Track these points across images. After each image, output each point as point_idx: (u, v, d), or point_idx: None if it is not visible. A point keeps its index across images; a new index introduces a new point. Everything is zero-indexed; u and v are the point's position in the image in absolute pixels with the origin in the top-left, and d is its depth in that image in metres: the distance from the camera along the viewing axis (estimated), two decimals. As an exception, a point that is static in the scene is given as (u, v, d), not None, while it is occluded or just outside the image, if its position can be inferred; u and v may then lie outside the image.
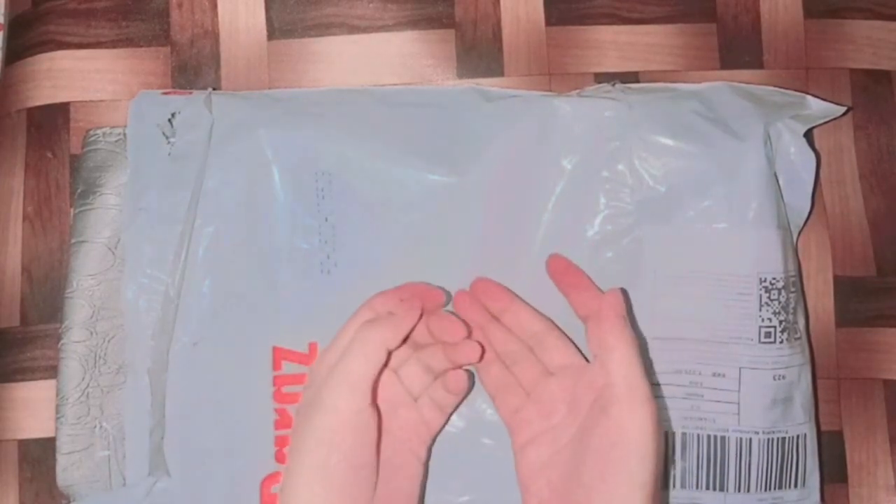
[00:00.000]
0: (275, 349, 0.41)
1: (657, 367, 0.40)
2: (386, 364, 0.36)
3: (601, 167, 0.41)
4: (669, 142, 0.40)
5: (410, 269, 0.41)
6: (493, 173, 0.41)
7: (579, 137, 0.41)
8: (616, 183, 0.41)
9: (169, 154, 0.41)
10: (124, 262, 0.41)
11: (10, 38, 0.47)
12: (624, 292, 0.39)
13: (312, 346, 0.41)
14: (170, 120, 0.42)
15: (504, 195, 0.41)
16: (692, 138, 0.40)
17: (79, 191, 0.43)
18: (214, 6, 0.46)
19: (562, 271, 0.40)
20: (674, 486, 0.40)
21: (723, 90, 0.43)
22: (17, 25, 0.47)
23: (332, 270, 0.41)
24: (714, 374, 0.40)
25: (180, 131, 0.41)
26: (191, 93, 0.43)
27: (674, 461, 0.40)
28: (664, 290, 0.41)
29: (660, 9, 0.46)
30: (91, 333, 0.42)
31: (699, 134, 0.40)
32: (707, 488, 0.40)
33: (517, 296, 0.40)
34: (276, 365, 0.41)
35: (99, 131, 0.43)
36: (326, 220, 0.41)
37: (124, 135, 0.43)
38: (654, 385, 0.40)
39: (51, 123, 0.45)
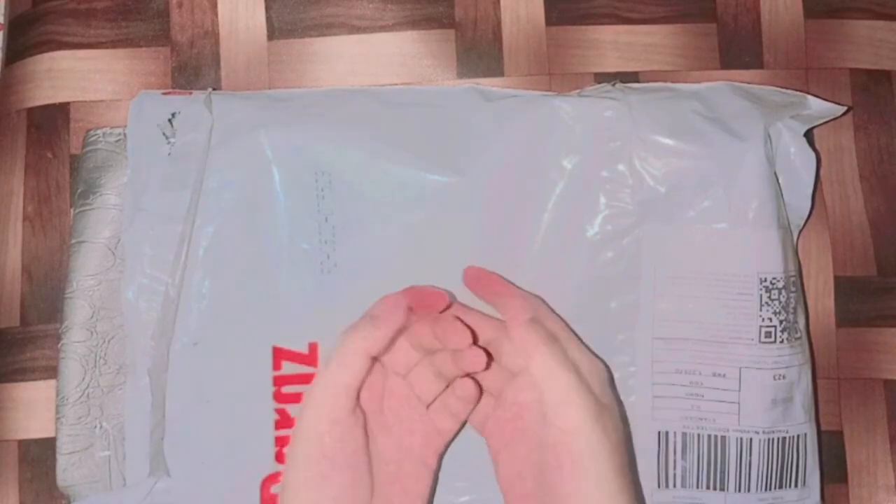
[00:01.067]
0: (275, 349, 0.41)
1: (658, 367, 0.40)
2: (370, 370, 0.36)
3: (601, 167, 0.41)
4: (669, 142, 0.40)
5: (410, 269, 0.41)
6: (492, 173, 0.41)
7: (579, 137, 0.41)
8: (616, 183, 0.41)
9: (169, 154, 0.41)
10: (124, 262, 0.41)
11: (10, 38, 0.47)
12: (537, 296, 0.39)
13: (312, 346, 0.41)
14: (170, 120, 0.42)
15: (504, 195, 0.41)
16: (692, 138, 0.40)
17: (79, 191, 0.43)
18: (214, 6, 0.46)
19: (479, 280, 0.40)
20: (674, 485, 0.40)
21: (723, 90, 0.43)
22: (17, 25, 0.47)
23: (332, 270, 0.41)
24: (714, 374, 0.40)
25: (180, 131, 0.41)
26: (191, 93, 0.43)
27: (674, 461, 0.40)
28: (664, 290, 0.40)
29: (660, 9, 0.46)
30: (91, 333, 0.42)
31: (699, 134, 0.40)
32: (707, 488, 0.40)
33: (462, 304, 0.40)
34: (276, 365, 0.41)
35: (99, 131, 0.43)
36: (326, 220, 0.41)
37: (124, 135, 0.42)
38: (655, 385, 0.40)
39: (51, 123, 0.45)
